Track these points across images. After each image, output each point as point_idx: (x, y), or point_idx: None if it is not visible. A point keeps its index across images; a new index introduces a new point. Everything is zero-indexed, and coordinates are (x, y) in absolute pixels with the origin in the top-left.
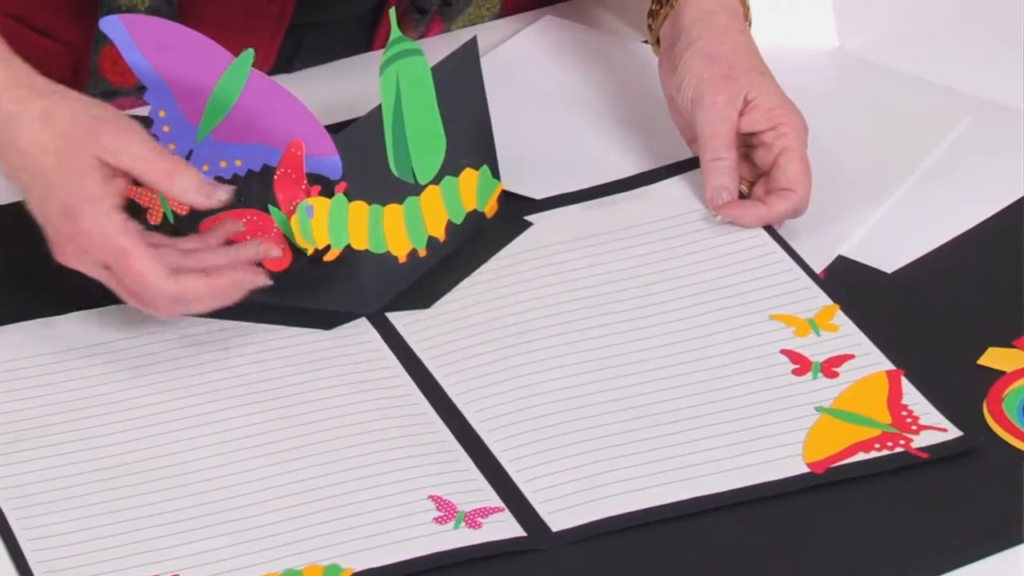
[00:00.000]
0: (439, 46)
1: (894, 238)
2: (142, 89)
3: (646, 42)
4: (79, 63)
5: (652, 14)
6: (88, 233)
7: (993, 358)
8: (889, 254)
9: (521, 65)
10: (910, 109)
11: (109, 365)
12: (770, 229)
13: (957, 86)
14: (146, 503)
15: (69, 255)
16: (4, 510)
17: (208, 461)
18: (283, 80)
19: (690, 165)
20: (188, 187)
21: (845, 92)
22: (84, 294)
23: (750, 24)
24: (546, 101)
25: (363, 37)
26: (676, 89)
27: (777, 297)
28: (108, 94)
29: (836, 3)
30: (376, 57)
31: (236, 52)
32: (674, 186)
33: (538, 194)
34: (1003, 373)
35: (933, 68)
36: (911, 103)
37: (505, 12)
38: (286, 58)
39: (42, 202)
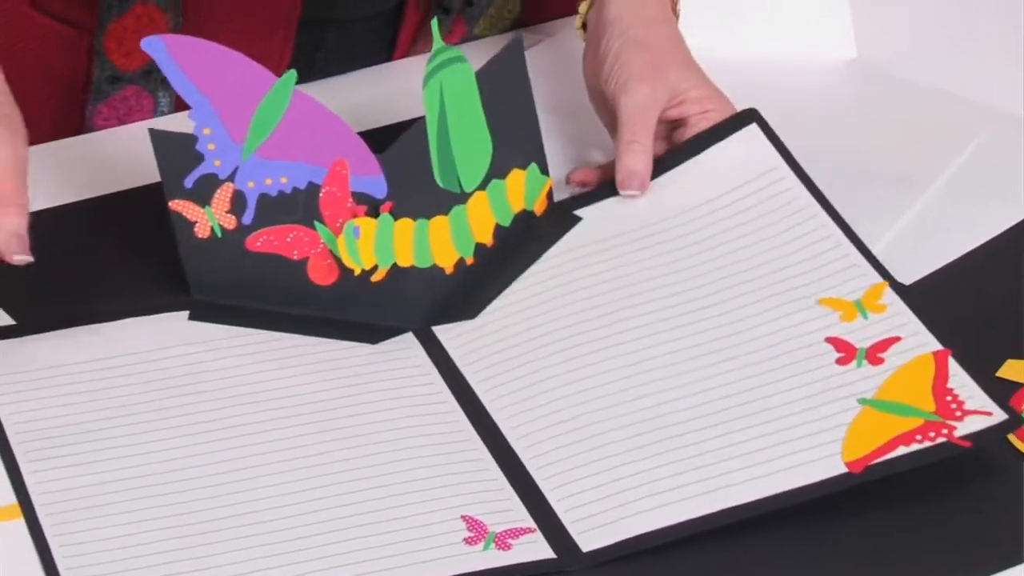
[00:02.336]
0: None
1: (912, 249)
2: (147, 74)
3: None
4: (92, 47)
5: None
6: None
7: (1011, 370)
8: (907, 265)
9: (545, 75)
10: (929, 120)
11: (154, 374)
12: (822, 199)
13: (976, 97)
14: (181, 512)
15: None
16: (39, 515)
17: (245, 472)
18: (305, 89)
19: (739, 124)
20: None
21: (863, 103)
22: (132, 301)
23: (678, 17)
24: (568, 110)
25: (386, 36)
26: (604, 80)
27: (825, 279)
28: (113, 79)
29: (854, 13)
30: (397, 66)
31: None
32: (720, 155)
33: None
34: (1021, 386)
35: (952, 78)
36: (930, 114)
37: (526, 16)
38: (306, 58)
39: None
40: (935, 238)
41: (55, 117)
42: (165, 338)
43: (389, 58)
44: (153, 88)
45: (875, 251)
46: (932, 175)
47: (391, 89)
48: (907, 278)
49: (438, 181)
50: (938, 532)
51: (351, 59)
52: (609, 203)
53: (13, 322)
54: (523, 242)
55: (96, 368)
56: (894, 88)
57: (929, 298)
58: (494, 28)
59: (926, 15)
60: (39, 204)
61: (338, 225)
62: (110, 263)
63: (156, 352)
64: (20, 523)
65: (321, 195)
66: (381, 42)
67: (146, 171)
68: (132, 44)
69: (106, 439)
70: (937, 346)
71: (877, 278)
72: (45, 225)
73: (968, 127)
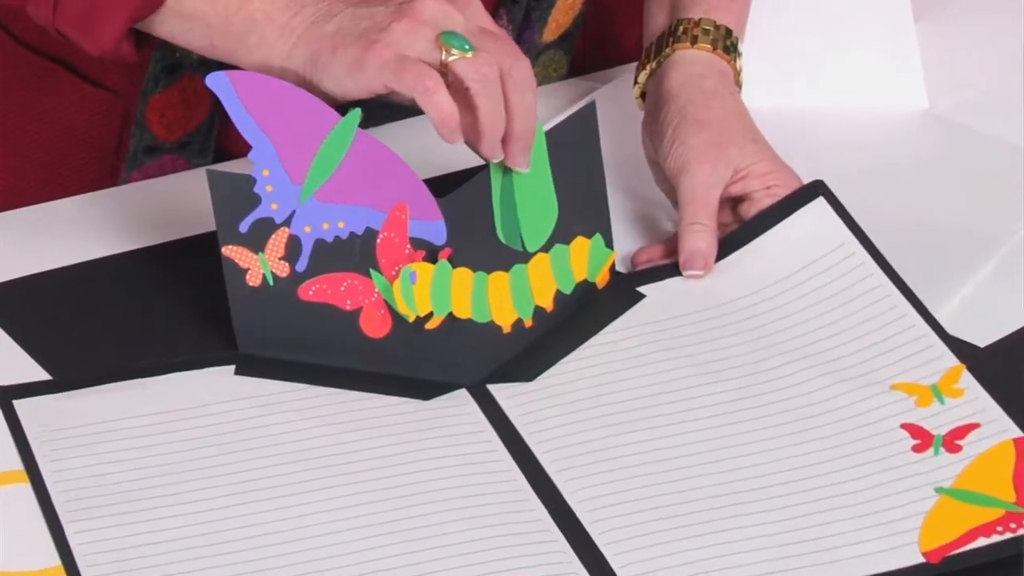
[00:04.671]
0: None
1: (987, 310)
2: (184, 145)
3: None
4: (127, 113)
5: (640, 66)
6: None
7: None
8: (982, 327)
9: (603, 120)
10: (1003, 174)
11: (198, 431)
12: (895, 276)
13: None
14: (230, 574)
15: (398, 35)
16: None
17: (293, 533)
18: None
19: (805, 199)
20: None
21: (936, 156)
22: (175, 356)
23: (740, 87)
24: (622, 163)
25: None
26: (663, 156)
27: (899, 363)
28: (151, 149)
29: (925, 62)
30: None
31: None
32: (786, 232)
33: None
34: None
35: None
36: (1004, 168)
37: (572, 75)
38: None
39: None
40: (1012, 298)
41: (87, 181)
42: (210, 394)
43: None
44: (189, 157)
45: (948, 311)
46: (1008, 231)
47: (438, 140)
48: (982, 340)
49: (500, 237)
50: None
51: (392, 114)
52: (673, 282)
53: (49, 377)
54: (584, 313)
55: (138, 425)
56: (968, 141)
57: (1006, 361)
58: (543, 82)
59: (999, 66)
60: (76, 256)
61: (394, 273)
62: (153, 316)
63: (201, 409)
64: None
65: (379, 241)
66: None
67: (188, 222)
68: (175, 116)
69: (150, 499)
70: (1017, 432)
71: (954, 360)
72: (84, 277)
73: None
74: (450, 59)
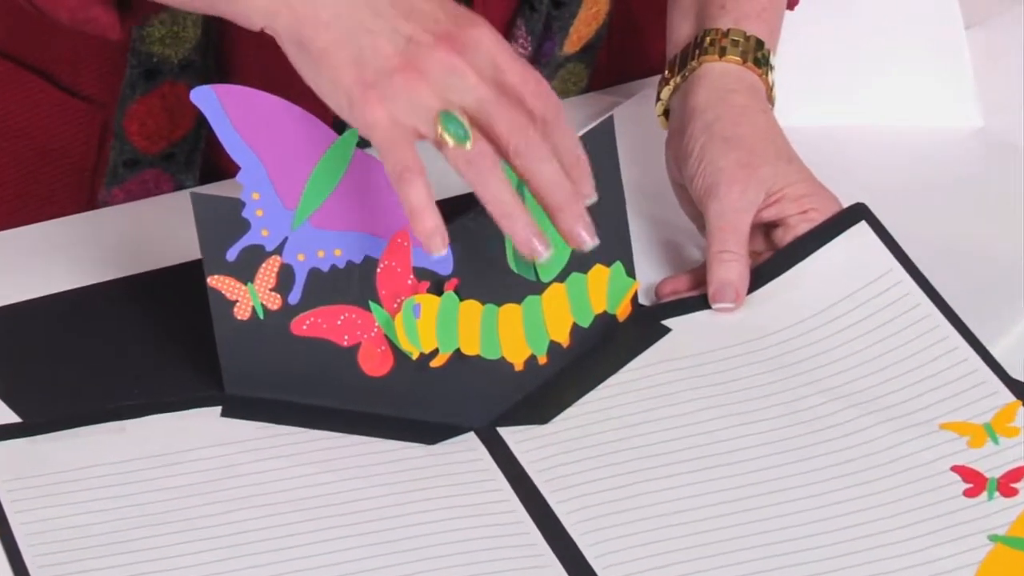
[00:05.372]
0: None
1: None
2: (168, 157)
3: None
4: (106, 124)
5: (663, 81)
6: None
7: None
8: None
9: (623, 139)
10: None
11: (185, 478)
12: (944, 307)
13: None
14: None
15: (397, 90)
16: None
17: None
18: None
19: (846, 224)
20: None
21: (989, 178)
22: (156, 396)
23: (773, 103)
24: (644, 185)
25: None
26: (689, 178)
27: (949, 400)
28: (132, 162)
29: (979, 78)
30: None
31: None
32: (825, 260)
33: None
34: None
35: None
36: None
37: (594, 87)
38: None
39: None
40: None
41: (62, 200)
42: (194, 438)
43: None
44: (175, 171)
45: (1003, 344)
46: None
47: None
48: None
49: (511, 265)
50: None
51: None
52: (701, 315)
53: (17, 419)
54: (604, 348)
55: (115, 472)
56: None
57: None
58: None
59: None
60: (49, 287)
61: (396, 305)
62: (132, 353)
63: (184, 454)
64: None
65: (379, 271)
66: None
67: (171, 249)
68: (156, 126)
69: (128, 553)
70: None
71: (1009, 397)
72: (56, 310)
73: None
74: (445, 143)
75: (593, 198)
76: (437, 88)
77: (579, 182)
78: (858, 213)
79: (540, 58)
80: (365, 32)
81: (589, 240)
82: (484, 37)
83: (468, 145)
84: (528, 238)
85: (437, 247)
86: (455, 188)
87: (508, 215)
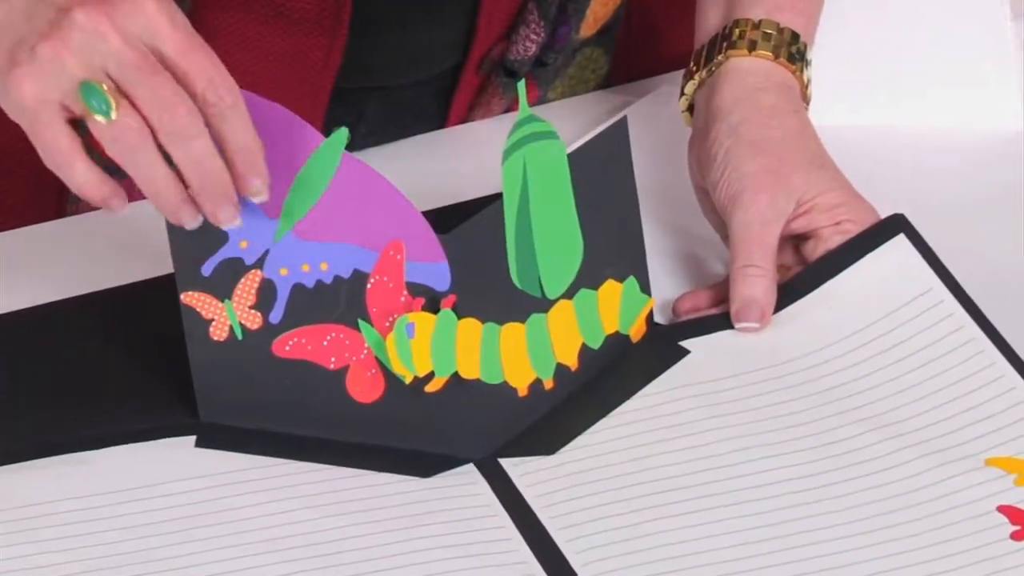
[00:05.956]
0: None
1: None
2: None
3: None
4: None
5: (688, 74)
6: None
7: None
8: None
9: (636, 147)
10: None
11: (156, 515)
12: (990, 329)
13: None
14: None
15: (42, 64)
16: None
17: None
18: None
19: (883, 236)
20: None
21: None
22: (125, 424)
23: (808, 103)
24: (664, 191)
25: (437, 104)
26: (712, 184)
27: (996, 433)
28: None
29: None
30: (458, 134)
31: None
32: (860, 277)
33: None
34: None
35: None
36: None
37: (613, 76)
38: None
39: None
40: None
41: (21, 215)
42: (166, 471)
43: (440, 128)
44: None
45: None
46: None
47: (449, 162)
48: None
49: (515, 280)
50: None
51: (397, 130)
52: (723, 336)
53: None
54: (616, 372)
55: (80, 508)
56: None
57: None
58: (574, 91)
59: None
60: (10, 303)
61: (388, 324)
62: (97, 377)
63: (155, 488)
64: None
65: (369, 286)
66: (431, 111)
67: (140, 263)
68: None
69: None
70: None
71: None
72: (16, 329)
73: None
74: (89, 117)
75: (264, 196)
76: (80, 55)
77: (243, 176)
78: (896, 225)
79: (555, 43)
80: (25, 19)
81: (226, 223)
82: (148, 4)
83: (113, 117)
84: (180, 221)
85: (117, 206)
86: (449, 195)
87: (158, 194)
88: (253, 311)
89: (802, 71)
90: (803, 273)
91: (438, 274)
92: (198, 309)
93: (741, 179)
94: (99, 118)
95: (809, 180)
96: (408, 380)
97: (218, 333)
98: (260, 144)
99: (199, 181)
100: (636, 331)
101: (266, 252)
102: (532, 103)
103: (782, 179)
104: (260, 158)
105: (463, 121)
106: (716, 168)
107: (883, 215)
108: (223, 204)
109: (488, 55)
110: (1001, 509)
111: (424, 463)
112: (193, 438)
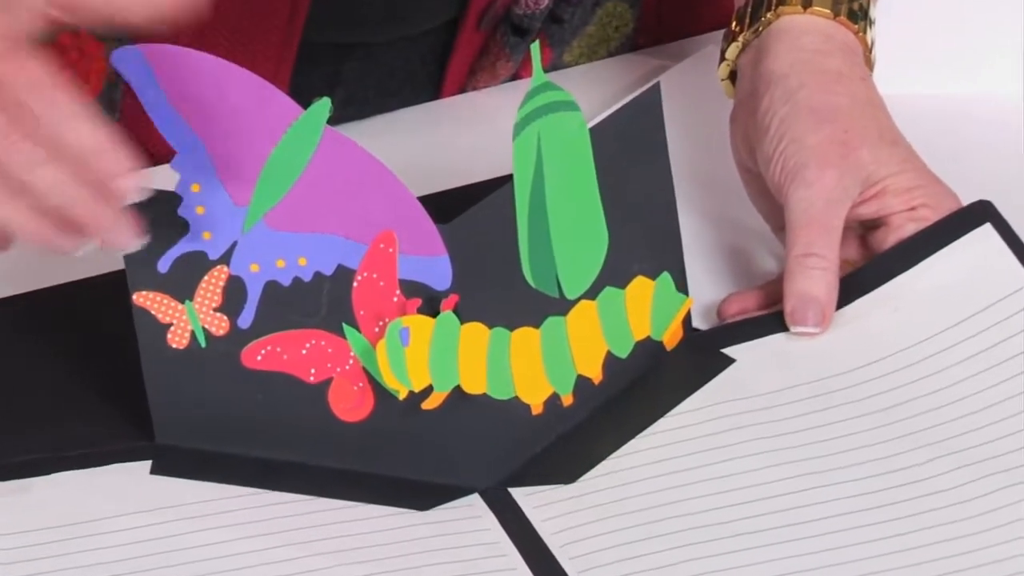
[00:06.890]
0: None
1: None
2: None
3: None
4: None
5: (728, 35)
6: None
7: None
8: None
9: (669, 120)
10: None
11: (105, 553)
12: None
13: None
14: None
15: None
16: None
17: None
18: None
19: (966, 226)
20: None
21: None
22: (71, 447)
23: (872, 68)
24: (701, 172)
25: (430, 67)
26: (764, 160)
27: None
28: None
29: None
30: (457, 104)
31: None
32: (938, 272)
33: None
34: None
35: None
36: None
37: (640, 36)
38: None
39: None
40: None
41: None
42: (117, 502)
43: (434, 97)
44: None
45: None
46: None
47: (449, 138)
48: None
49: (527, 278)
50: None
51: (381, 99)
52: (775, 340)
53: None
54: (646, 385)
55: (20, 545)
56: None
57: None
58: (594, 53)
59: None
60: None
61: (378, 329)
62: (39, 391)
63: (104, 523)
64: None
65: (356, 285)
66: (422, 76)
67: (87, 258)
68: None
69: None
70: None
71: None
72: None
73: None
74: None
75: (135, 192)
76: None
77: (107, 177)
78: (982, 212)
79: None
80: None
81: (133, 242)
82: None
83: None
84: (62, 250)
85: None
86: (452, 176)
87: (23, 232)
88: (218, 314)
89: (865, 31)
90: (869, 265)
91: (437, 270)
92: (153, 312)
93: (801, 151)
94: None
95: (879, 158)
96: (402, 395)
97: (177, 340)
98: (109, 140)
99: (71, 209)
100: (671, 337)
101: (234, 245)
102: (545, 68)
103: (849, 154)
104: (114, 155)
105: (462, 89)
106: (769, 141)
107: (965, 202)
108: (107, 227)
109: (491, 8)
110: None
111: (421, 494)
112: (148, 463)
